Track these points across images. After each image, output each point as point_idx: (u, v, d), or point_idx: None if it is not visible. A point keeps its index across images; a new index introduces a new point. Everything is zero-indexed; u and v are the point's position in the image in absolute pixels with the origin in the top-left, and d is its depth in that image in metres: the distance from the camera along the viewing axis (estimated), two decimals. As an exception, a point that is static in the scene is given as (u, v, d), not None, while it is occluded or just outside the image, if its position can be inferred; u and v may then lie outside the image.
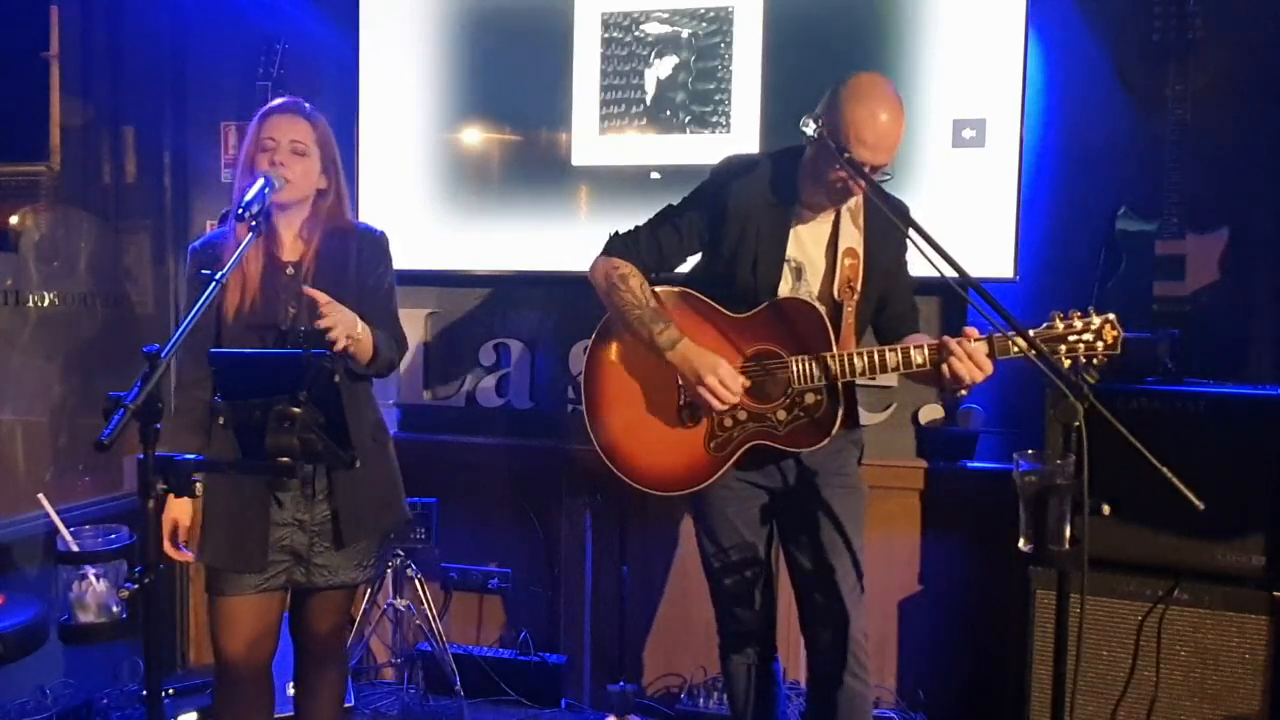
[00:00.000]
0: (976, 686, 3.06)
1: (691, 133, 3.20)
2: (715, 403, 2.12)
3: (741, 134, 3.15)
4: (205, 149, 3.64)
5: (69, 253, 3.30)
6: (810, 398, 2.16)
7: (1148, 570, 2.51)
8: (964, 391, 2.14)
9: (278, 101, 2.24)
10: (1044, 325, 2.00)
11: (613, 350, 2.32)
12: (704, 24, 3.17)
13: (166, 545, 2.12)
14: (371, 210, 3.37)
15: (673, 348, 2.15)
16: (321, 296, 2.03)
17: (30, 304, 3.16)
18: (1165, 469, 1.61)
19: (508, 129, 3.37)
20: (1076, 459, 1.60)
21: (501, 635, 3.48)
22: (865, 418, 2.81)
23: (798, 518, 2.28)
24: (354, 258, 2.23)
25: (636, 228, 2.30)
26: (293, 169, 2.13)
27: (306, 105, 2.23)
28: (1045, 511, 1.64)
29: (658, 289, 2.25)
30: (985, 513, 2.93)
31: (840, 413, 2.15)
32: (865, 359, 2.10)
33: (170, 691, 3.06)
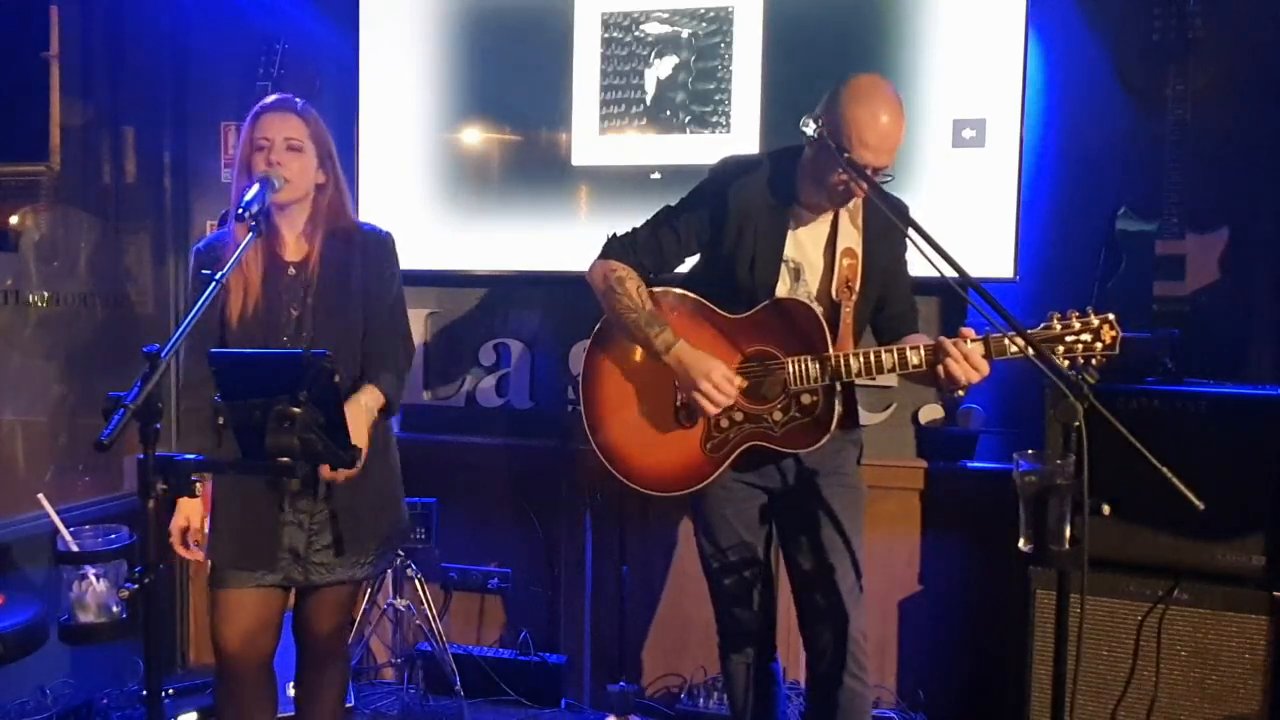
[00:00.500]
0: (976, 686, 3.06)
1: (691, 133, 3.20)
2: (709, 406, 2.12)
3: (741, 134, 3.15)
4: (205, 149, 3.64)
5: (69, 253, 3.30)
6: (807, 398, 2.16)
7: (1148, 570, 2.51)
8: (961, 392, 2.14)
9: (269, 100, 2.23)
10: (1042, 326, 2.00)
11: (610, 352, 2.32)
12: (704, 24, 3.17)
13: (178, 546, 2.13)
14: (371, 210, 3.36)
15: (669, 350, 2.15)
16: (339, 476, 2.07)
17: (30, 304, 3.17)
18: (1165, 469, 1.61)
19: (508, 129, 3.37)
20: (1076, 459, 1.60)
21: (501, 635, 3.48)
22: (865, 418, 2.81)
23: (797, 518, 2.28)
24: (359, 261, 2.23)
25: (634, 229, 2.30)
26: (290, 166, 2.13)
27: (298, 101, 2.22)
28: (1045, 511, 1.64)
29: (655, 289, 2.25)
30: (985, 513, 2.93)
31: (837, 413, 2.15)
32: (862, 360, 2.10)
33: (170, 691, 3.06)
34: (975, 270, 1.94)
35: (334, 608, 2.28)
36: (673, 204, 2.30)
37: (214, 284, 1.82)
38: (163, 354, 1.57)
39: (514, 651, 3.33)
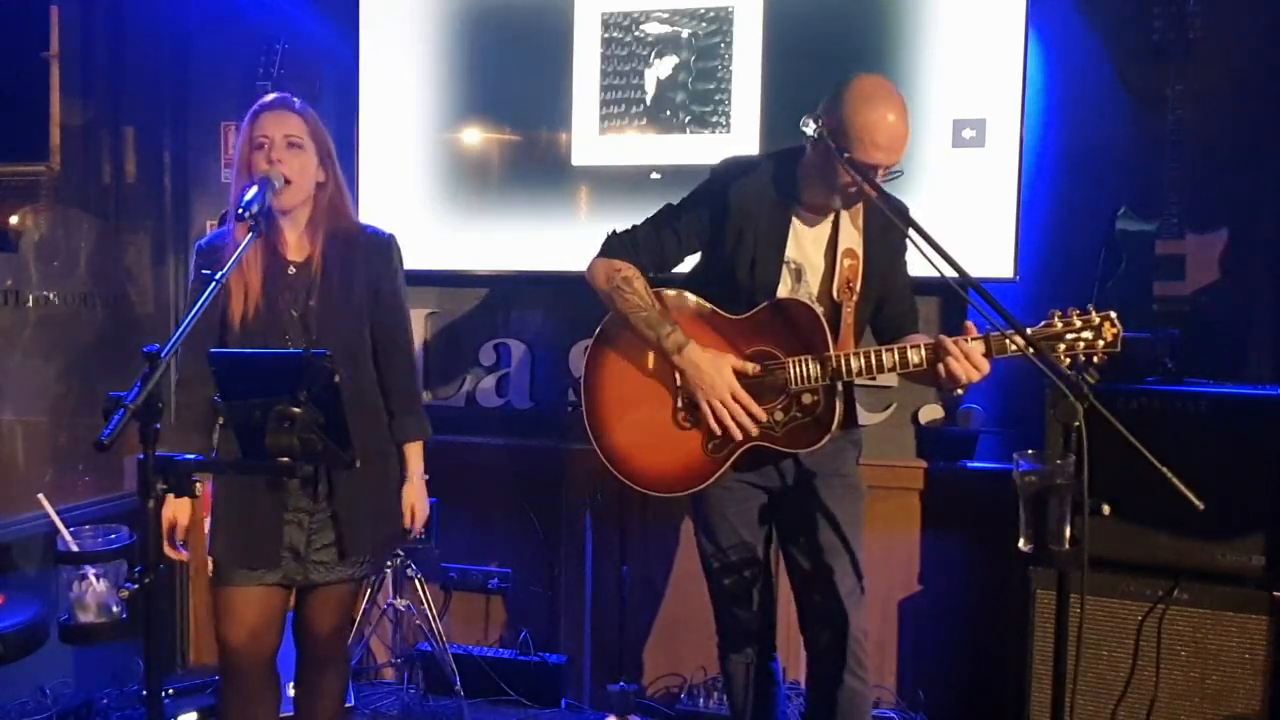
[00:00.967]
0: (976, 686, 3.06)
1: (691, 133, 3.20)
2: (736, 433, 2.13)
3: (741, 134, 3.15)
4: (205, 149, 3.64)
5: (69, 253, 3.30)
6: (808, 398, 2.16)
7: (1148, 570, 2.51)
8: (961, 391, 2.14)
9: (267, 99, 2.22)
10: (1043, 323, 2.00)
11: (612, 352, 2.32)
12: (704, 24, 3.17)
13: (164, 545, 2.12)
14: (371, 210, 3.36)
15: (680, 351, 2.15)
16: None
17: (30, 304, 3.17)
18: (1165, 469, 1.61)
19: (507, 129, 3.37)
20: (1076, 459, 1.60)
21: (501, 635, 3.48)
22: (865, 418, 2.81)
23: (796, 518, 2.28)
24: (361, 262, 2.22)
25: (634, 227, 2.29)
26: (290, 165, 2.12)
27: (295, 100, 2.22)
28: (1045, 511, 1.64)
29: (655, 289, 2.25)
30: (985, 513, 2.93)
31: (838, 413, 2.15)
32: (862, 359, 2.10)
33: (170, 691, 3.06)
34: (975, 270, 1.94)
35: (334, 608, 2.28)
36: (674, 203, 2.30)
37: (214, 284, 1.82)
38: (163, 354, 1.57)
39: (514, 651, 3.33)
